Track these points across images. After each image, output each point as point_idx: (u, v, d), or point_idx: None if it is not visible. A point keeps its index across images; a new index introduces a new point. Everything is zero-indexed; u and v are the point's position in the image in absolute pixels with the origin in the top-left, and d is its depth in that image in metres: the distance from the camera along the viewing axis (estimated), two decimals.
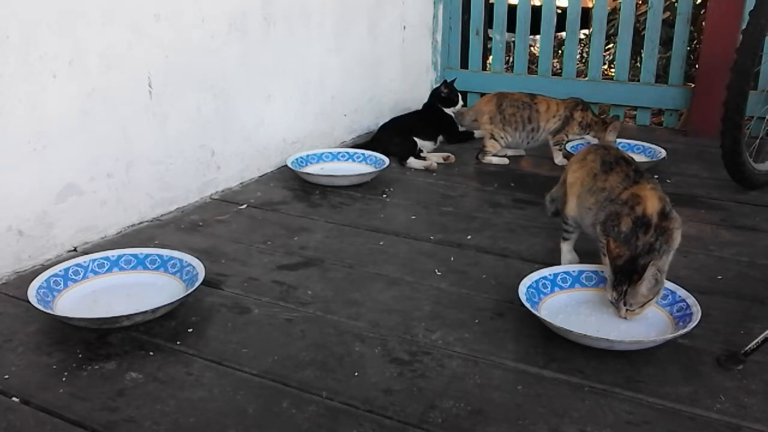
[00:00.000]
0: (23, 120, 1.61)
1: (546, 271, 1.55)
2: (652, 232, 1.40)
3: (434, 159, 2.59)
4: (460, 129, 2.88)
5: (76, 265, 1.56)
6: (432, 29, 3.39)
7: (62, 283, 1.52)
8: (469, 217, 2.07)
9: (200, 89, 2.10)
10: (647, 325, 1.43)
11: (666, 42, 3.32)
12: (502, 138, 2.59)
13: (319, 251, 1.81)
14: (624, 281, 1.38)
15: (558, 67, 3.99)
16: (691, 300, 1.42)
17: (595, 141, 2.54)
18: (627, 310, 1.40)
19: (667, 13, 3.36)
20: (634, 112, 3.32)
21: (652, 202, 1.43)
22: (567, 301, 1.51)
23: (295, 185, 2.33)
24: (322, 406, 1.18)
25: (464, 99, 3.00)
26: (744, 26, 2.14)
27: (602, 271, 1.53)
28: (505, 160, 2.63)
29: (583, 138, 2.61)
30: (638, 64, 3.50)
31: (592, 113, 2.58)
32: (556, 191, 1.78)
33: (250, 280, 1.64)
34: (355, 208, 2.14)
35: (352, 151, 2.56)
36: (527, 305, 1.41)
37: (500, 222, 2.03)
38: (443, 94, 2.85)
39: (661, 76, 3.30)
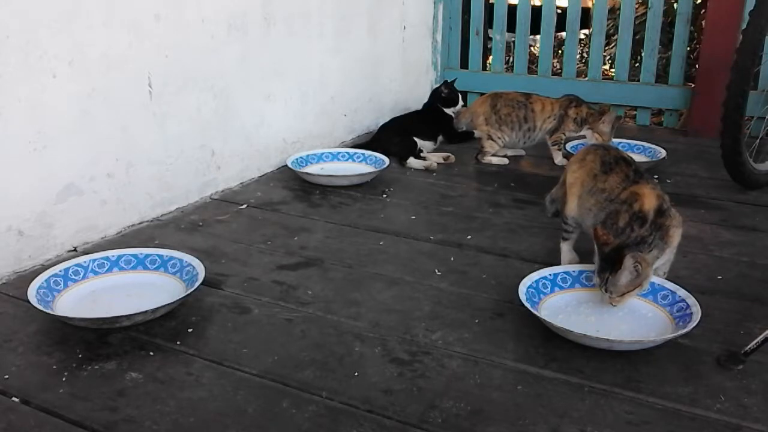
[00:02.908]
0: (23, 120, 1.61)
1: (546, 271, 1.55)
2: (648, 227, 1.41)
3: (434, 159, 2.59)
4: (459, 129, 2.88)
5: (76, 265, 1.56)
6: (432, 29, 3.39)
7: (62, 283, 1.52)
8: (469, 217, 2.07)
9: (200, 89, 2.10)
10: (647, 325, 1.43)
11: (666, 42, 3.32)
12: (499, 138, 2.59)
13: (319, 251, 1.81)
14: (607, 269, 1.39)
15: (558, 67, 3.99)
16: (691, 300, 1.42)
17: (594, 135, 2.53)
18: (609, 296, 1.41)
19: (668, 17, 3.36)
20: (634, 112, 3.32)
21: (649, 200, 1.44)
22: (567, 301, 1.51)
23: (295, 185, 2.33)
24: (322, 406, 1.18)
25: (464, 99, 3.01)
26: (744, 26, 2.14)
27: None
28: (505, 160, 2.63)
29: (582, 135, 2.59)
30: (638, 64, 3.50)
31: (588, 107, 2.56)
32: (556, 192, 1.79)
33: (250, 280, 1.64)
34: (355, 208, 2.14)
35: (352, 151, 2.56)
36: (527, 305, 1.41)
37: (500, 222, 2.03)
38: (444, 95, 2.85)
39: (661, 76, 3.30)
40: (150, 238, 1.87)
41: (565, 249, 1.69)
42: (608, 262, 1.39)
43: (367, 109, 2.99)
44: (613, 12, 3.56)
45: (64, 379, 1.25)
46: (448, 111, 2.85)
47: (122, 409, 1.17)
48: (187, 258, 1.59)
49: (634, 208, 1.43)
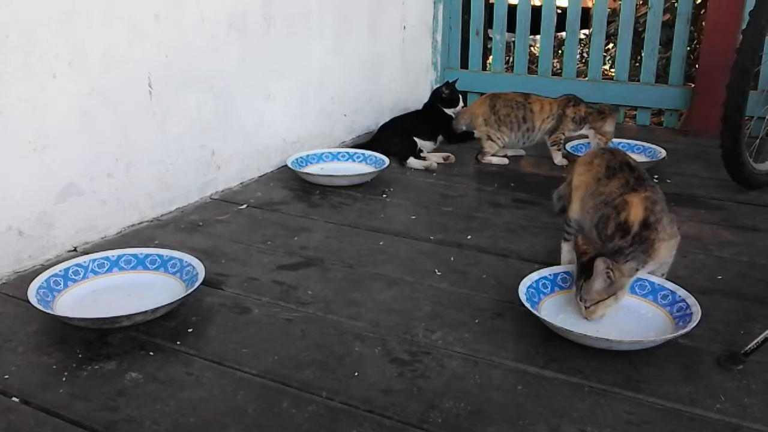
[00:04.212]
0: (23, 120, 1.61)
1: (546, 271, 1.55)
2: (630, 238, 1.40)
3: (434, 159, 2.59)
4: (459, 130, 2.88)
5: (76, 265, 1.56)
6: (432, 29, 3.39)
7: (62, 283, 1.52)
8: (469, 217, 2.07)
9: (200, 89, 2.10)
10: (647, 325, 1.43)
11: (666, 42, 3.32)
12: (498, 138, 2.59)
13: (319, 251, 1.81)
14: (582, 276, 1.39)
15: (558, 67, 3.99)
16: (691, 300, 1.42)
17: (593, 135, 2.54)
18: (586, 308, 1.40)
19: (668, 15, 3.36)
20: (634, 112, 3.33)
21: (636, 211, 1.43)
22: (567, 301, 1.51)
23: (295, 185, 2.33)
24: (322, 406, 1.18)
25: (464, 99, 3.00)
26: (744, 26, 2.14)
27: None
28: (505, 160, 2.63)
29: (581, 133, 2.60)
30: (638, 64, 3.50)
31: (586, 106, 2.56)
32: (563, 189, 1.79)
33: (250, 280, 1.64)
34: (355, 208, 2.14)
35: (352, 151, 2.56)
36: (527, 305, 1.41)
37: (500, 222, 2.03)
38: (444, 95, 2.85)
39: (661, 76, 3.30)
40: (150, 238, 1.87)
41: (566, 249, 1.69)
42: (584, 270, 1.39)
43: (367, 109, 2.99)
44: (614, 13, 3.56)
45: (64, 379, 1.25)
46: (449, 111, 2.85)
47: (122, 409, 1.17)
48: (187, 258, 1.59)
49: (620, 217, 1.43)
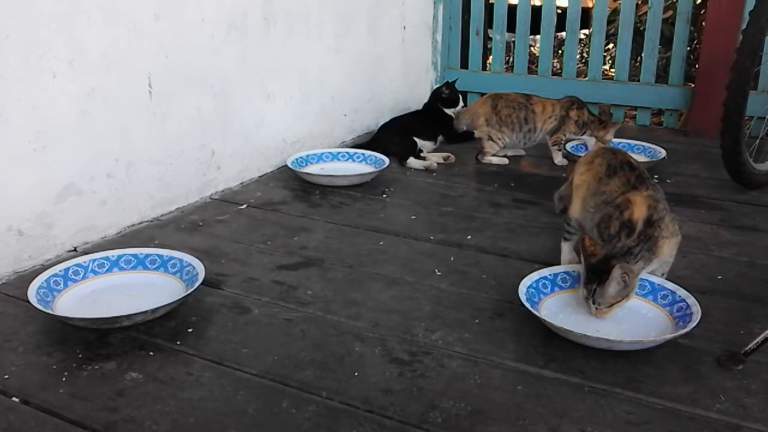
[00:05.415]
0: (23, 120, 1.61)
1: (546, 271, 1.55)
2: (635, 237, 1.40)
3: (434, 159, 2.59)
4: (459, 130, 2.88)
5: (76, 265, 1.56)
6: (432, 29, 3.39)
7: (62, 283, 1.52)
8: (469, 217, 2.07)
9: (200, 89, 2.10)
10: (647, 325, 1.43)
11: (666, 42, 3.32)
12: (499, 139, 2.59)
13: (319, 251, 1.81)
14: (594, 280, 1.39)
15: (558, 67, 3.99)
16: (691, 300, 1.42)
17: (592, 140, 2.55)
18: (596, 308, 1.40)
19: (669, 12, 3.36)
20: (634, 112, 3.33)
21: (639, 209, 1.43)
22: (567, 301, 1.51)
23: (295, 185, 2.33)
24: (322, 406, 1.18)
25: (464, 99, 3.00)
26: (744, 26, 2.14)
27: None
28: (505, 160, 2.63)
29: (580, 138, 2.61)
30: (638, 64, 3.50)
31: (588, 112, 2.57)
32: (565, 189, 1.79)
33: (250, 280, 1.64)
34: (355, 208, 2.14)
35: (352, 151, 2.56)
36: (527, 305, 1.41)
37: (500, 222, 2.03)
38: (444, 95, 2.85)
39: (661, 76, 3.30)
40: (150, 238, 1.87)
41: (566, 249, 1.69)
42: (595, 273, 1.39)
43: (367, 109, 2.99)
44: (614, 13, 3.56)
45: (64, 379, 1.25)
46: (449, 111, 2.85)
47: (122, 409, 1.17)
48: (187, 258, 1.59)
49: (624, 216, 1.43)
